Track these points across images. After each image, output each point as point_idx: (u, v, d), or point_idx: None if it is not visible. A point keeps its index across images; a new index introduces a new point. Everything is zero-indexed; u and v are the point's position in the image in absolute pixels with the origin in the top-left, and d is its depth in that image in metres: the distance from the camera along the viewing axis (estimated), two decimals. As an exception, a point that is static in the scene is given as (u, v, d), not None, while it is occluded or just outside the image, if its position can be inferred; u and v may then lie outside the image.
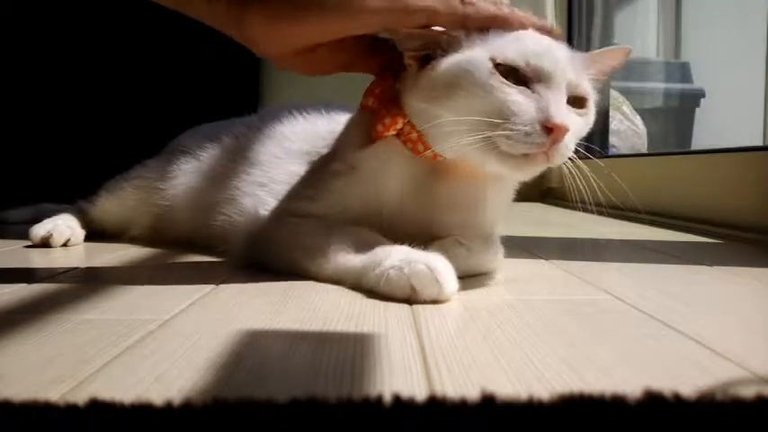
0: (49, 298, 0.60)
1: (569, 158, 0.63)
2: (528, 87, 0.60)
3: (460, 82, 0.60)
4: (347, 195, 0.70)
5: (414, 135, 0.66)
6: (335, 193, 0.70)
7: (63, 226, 0.96)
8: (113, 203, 1.02)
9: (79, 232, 0.98)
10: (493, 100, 0.59)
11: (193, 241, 0.90)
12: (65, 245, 0.94)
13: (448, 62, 0.62)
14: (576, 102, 0.63)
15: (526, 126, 0.57)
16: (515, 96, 0.59)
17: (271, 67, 2.10)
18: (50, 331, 0.48)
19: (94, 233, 1.01)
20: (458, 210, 0.69)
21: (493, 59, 0.60)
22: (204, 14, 0.65)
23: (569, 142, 0.60)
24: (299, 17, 0.62)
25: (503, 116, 0.58)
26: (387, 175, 0.69)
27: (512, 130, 0.58)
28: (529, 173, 0.63)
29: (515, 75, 0.60)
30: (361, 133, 0.70)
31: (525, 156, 0.59)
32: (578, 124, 0.63)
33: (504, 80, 0.59)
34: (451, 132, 0.61)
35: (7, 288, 0.64)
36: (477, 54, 0.61)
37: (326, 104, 0.87)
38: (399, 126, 0.66)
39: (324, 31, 0.63)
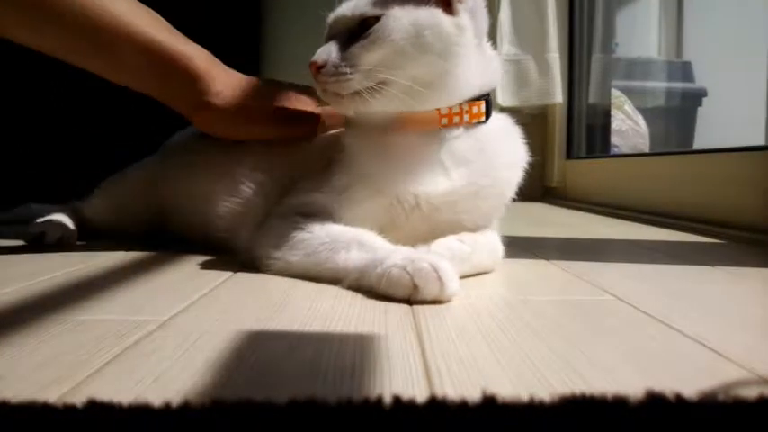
0: (48, 298, 0.60)
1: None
2: None
3: None
4: (345, 178, 0.72)
5: None
6: (334, 176, 0.72)
7: (56, 224, 0.95)
8: (109, 202, 1.01)
9: (73, 231, 0.98)
10: None
11: (192, 239, 0.89)
12: (59, 243, 0.94)
13: None
14: (363, 31, 0.67)
15: None
16: None
17: (271, 70, 2.10)
18: (49, 331, 0.48)
19: (90, 233, 1.01)
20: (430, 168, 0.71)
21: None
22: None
23: (346, 69, 0.67)
24: None
25: None
26: (369, 149, 0.72)
27: None
28: (336, 107, 0.71)
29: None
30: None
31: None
32: (359, 51, 0.67)
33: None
34: None
35: (6, 288, 0.64)
36: None
37: None
38: None
39: None
